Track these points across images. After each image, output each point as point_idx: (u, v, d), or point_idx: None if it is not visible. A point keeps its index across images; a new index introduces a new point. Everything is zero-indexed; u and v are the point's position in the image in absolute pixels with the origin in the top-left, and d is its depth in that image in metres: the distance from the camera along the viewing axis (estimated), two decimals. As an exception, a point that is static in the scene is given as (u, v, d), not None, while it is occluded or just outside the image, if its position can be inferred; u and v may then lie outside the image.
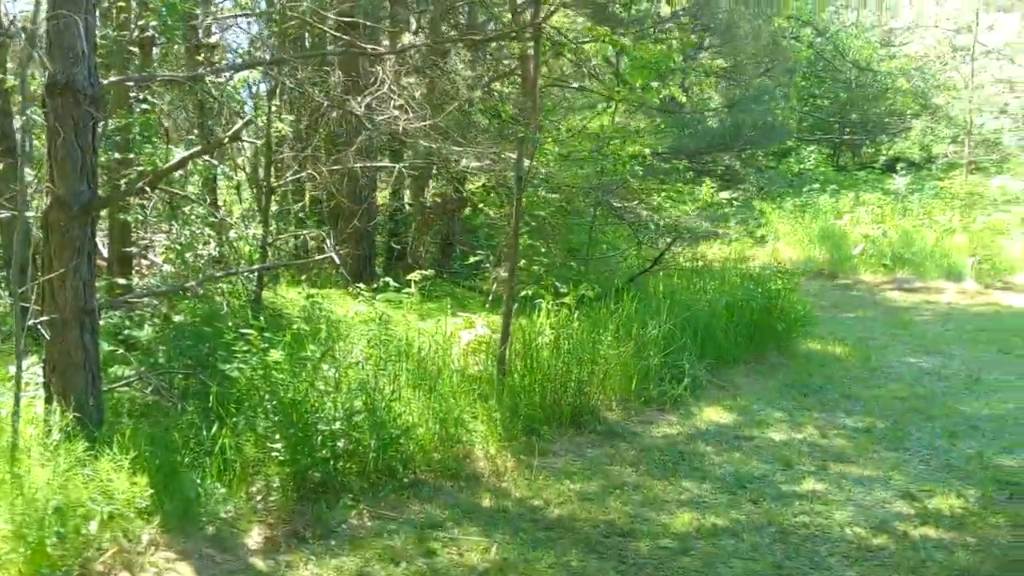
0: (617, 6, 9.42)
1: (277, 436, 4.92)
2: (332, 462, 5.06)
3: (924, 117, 20.89)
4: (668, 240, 9.18)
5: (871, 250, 13.73)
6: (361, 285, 7.92)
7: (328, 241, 8.30)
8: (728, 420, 6.54)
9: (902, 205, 16.67)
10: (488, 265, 8.29)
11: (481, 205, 8.66)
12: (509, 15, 9.63)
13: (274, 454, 4.89)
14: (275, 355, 5.31)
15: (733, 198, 10.79)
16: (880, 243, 13.98)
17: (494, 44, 10.76)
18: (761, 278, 9.06)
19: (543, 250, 7.75)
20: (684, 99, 11.05)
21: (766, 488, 5.19)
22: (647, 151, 6.64)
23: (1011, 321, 10.28)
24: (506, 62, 11.33)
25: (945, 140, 20.55)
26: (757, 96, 10.32)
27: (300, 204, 10.82)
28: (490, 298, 7.71)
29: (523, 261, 6.74)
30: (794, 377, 7.73)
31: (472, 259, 8.47)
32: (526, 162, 6.27)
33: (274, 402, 5.11)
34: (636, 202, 9.30)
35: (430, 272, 8.35)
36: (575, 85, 10.20)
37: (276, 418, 5.02)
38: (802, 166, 20.52)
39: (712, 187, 9.49)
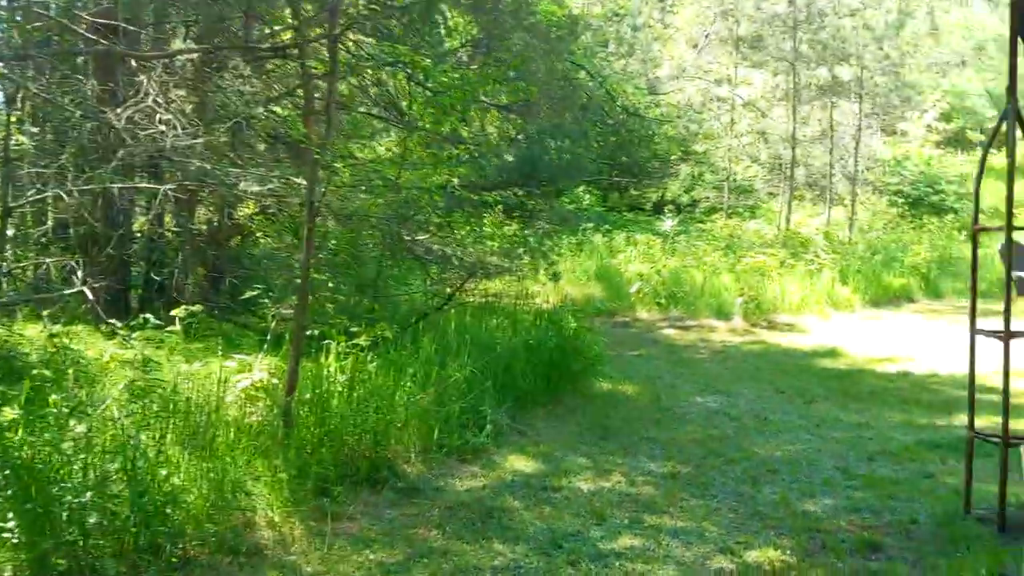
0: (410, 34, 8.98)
1: (10, 513, 3.96)
2: (82, 542, 4.15)
3: (690, 163, 22.08)
4: (463, 276, 8.79)
5: (646, 289, 14.05)
6: (116, 322, 6.90)
7: (78, 271, 7.21)
8: (533, 469, 6.16)
9: (671, 246, 17.36)
10: (267, 301, 7.48)
11: (260, 234, 7.86)
12: (292, 32, 8.95)
13: (5, 535, 3.93)
14: (8, 412, 4.33)
15: (527, 234, 10.62)
16: (654, 282, 14.36)
17: (272, 63, 10.01)
18: (554, 317, 8.85)
19: (331, 285, 7.08)
20: (466, 132, 10.80)
21: (583, 546, 4.82)
22: (455, 180, 6.21)
23: (780, 360, 10.72)
24: (279, 84, 10.58)
25: (707, 185, 21.81)
26: (552, 132, 10.23)
27: (43, 228, 9.47)
28: (269, 338, 6.91)
29: (310, 297, 6.06)
30: (592, 419, 7.51)
31: (248, 293, 7.62)
32: (319, 188, 5.63)
33: (6, 471, 4.13)
34: (427, 235, 8.84)
35: (197, 307, 7.43)
36: (361, 110, 9.64)
37: (9, 491, 4.06)
38: (575, 205, 21.02)
39: (503, 222, 9.24)
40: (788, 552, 4.76)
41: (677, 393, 8.70)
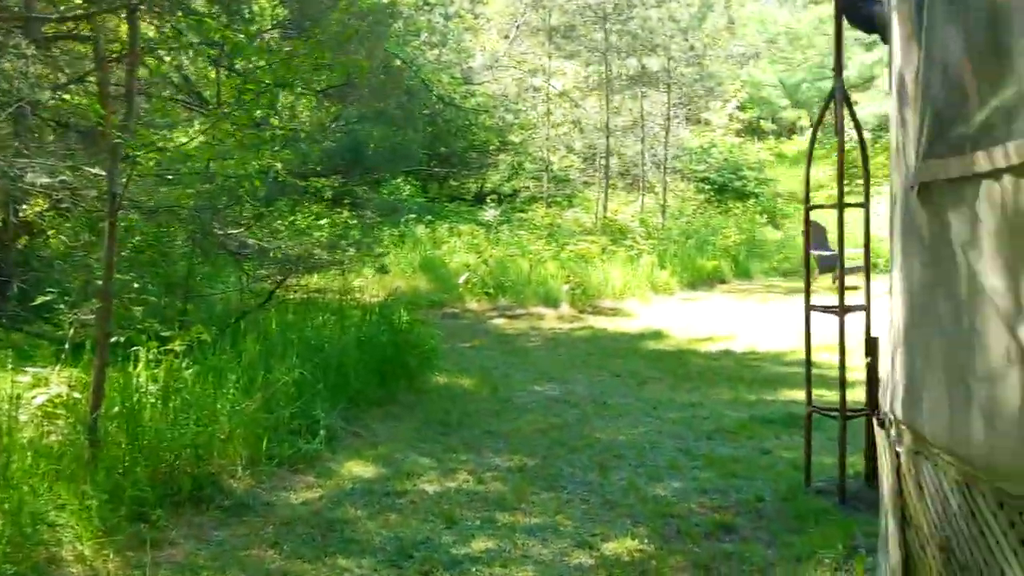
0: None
1: None
2: None
3: (509, 153, 22.11)
4: (285, 270, 8.22)
5: (474, 279, 13.89)
6: None
7: None
8: (374, 474, 5.78)
9: (495, 236, 17.31)
10: (63, 306, 6.68)
11: (52, 232, 7.02)
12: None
13: None
14: None
15: (353, 225, 10.13)
16: (481, 272, 14.22)
17: (58, 46, 9.04)
18: (385, 311, 8.48)
19: (136, 285, 6.39)
20: (276, 122, 10.18)
21: (435, 554, 4.51)
22: (279, 165, 5.70)
23: (610, 344, 10.80)
24: (69, 67, 9.60)
25: (527, 175, 21.94)
26: (376, 117, 9.76)
27: None
28: (67, 347, 6.16)
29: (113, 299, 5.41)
30: (431, 415, 7.20)
31: (40, 299, 6.78)
32: (121, 179, 5.01)
33: None
34: (241, 229, 8.23)
35: (-20, 316, 6.56)
36: (164, 94, 8.87)
37: None
38: (394, 196, 20.58)
39: (328, 211, 8.73)
40: (645, 540, 4.65)
41: (514, 383, 8.54)
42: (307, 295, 10.17)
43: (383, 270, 10.85)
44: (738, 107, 24.15)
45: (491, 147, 22.65)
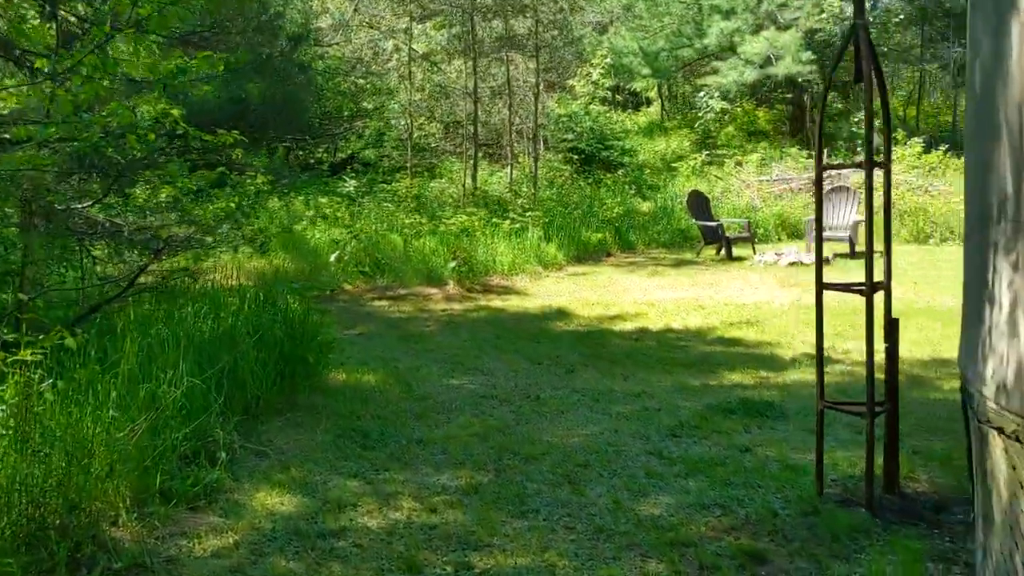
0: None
1: None
2: None
3: (369, 120, 20.67)
4: (148, 254, 6.77)
5: (346, 257, 12.62)
6: None
7: None
8: (295, 506, 4.61)
9: (359, 209, 16.02)
10: None
11: None
12: None
13: None
14: None
15: (232, 195, 8.70)
16: (350, 248, 12.96)
17: None
18: (269, 297, 7.20)
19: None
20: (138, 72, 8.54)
21: (411, 622, 3.47)
22: (175, 112, 4.37)
23: (513, 326, 9.88)
24: None
25: (389, 143, 20.62)
26: (256, 67, 8.33)
27: None
28: None
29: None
30: (343, 423, 6.03)
31: None
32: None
33: None
34: (89, 202, 6.72)
35: None
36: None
37: None
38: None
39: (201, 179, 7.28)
40: (668, 583, 3.77)
41: (426, 376, 7.46)
42: (162, 280, 8.61)
43: (263, 248, 9.42)
44: (602, 74, 23.58)
45: (345, 113, 21.09)
